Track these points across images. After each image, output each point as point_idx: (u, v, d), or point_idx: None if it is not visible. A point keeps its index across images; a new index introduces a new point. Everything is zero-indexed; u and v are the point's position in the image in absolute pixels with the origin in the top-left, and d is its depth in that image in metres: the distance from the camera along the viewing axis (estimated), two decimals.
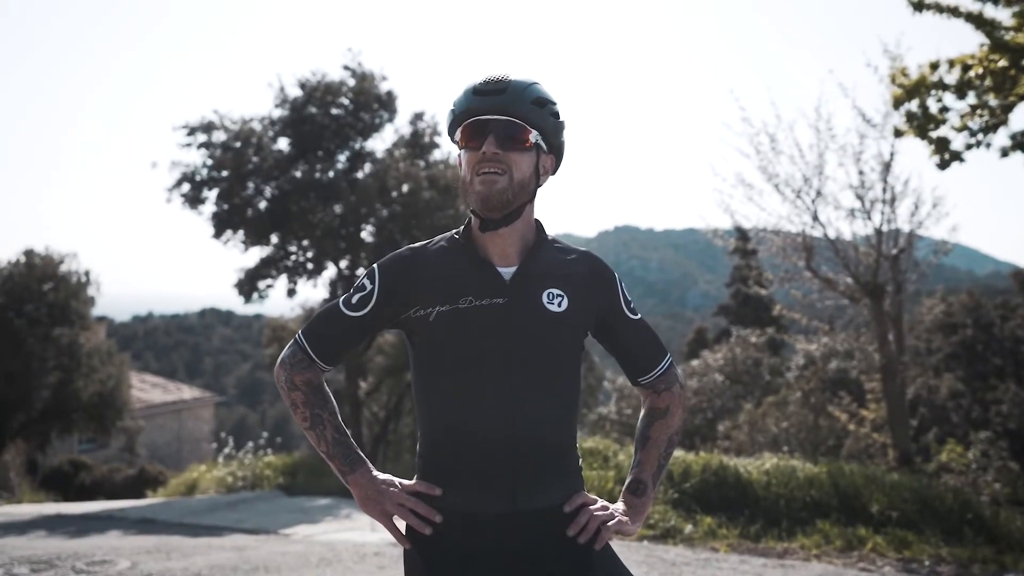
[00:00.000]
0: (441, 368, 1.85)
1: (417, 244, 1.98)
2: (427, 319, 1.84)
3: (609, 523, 1.86)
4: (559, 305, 1.87)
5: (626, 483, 2.01)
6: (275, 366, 1.98)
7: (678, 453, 8.28)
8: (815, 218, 10.52)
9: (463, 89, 1.87)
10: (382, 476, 1.91)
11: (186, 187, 16.58)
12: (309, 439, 1.94)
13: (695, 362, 16.40)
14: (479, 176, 1.81)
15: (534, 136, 1.84)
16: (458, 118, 1.85)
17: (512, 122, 1.81)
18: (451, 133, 1.89)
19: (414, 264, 1.90)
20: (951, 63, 7.95)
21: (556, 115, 1.89)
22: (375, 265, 1.95)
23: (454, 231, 1.97)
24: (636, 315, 2.02)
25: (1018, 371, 14.50)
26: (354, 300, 1.91)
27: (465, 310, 1.82)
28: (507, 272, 1.87)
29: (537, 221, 1.97)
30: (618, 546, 6.29)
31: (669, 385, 2.06)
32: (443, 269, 1.88)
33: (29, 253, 22.78)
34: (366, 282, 1.91)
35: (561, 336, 1.87)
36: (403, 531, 1.89)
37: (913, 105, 8.29)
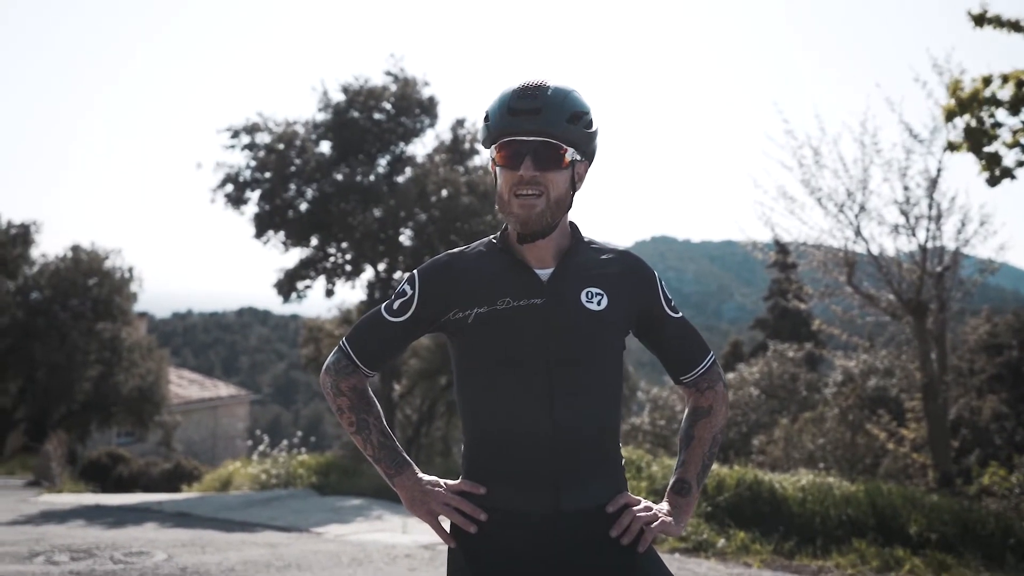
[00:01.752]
0: (482, 369, 1.87)
1: (455, 250, 2.00)
2: (466, 321, 1.86)
3: (652, 524, 1.86)
4: (598, 304, 1.88)
5: (671, 482, 2.00)
6: (321, 372, 2.01)
7: (712, 466, 8.28)
8: (858, 233, 10.39)
9: (498, 98, 1.85)
10: (427, 477, 1.93)
11: (229, 188, 16.88)
12: (355, 443, 1.97)
13: (730, 375, 16.19)
14: (517, 198, 1.82)
15: (570, 154, 1.84)
16: (492, 135, 1.84)
17: (549, 143, 1.81)
18: (486, 144, 1.89)
19: (452, 268, 1.92)
20: (1005, 78, 7.86)
21: (590, 124, 1.88)
22: (415, 271, 1.97)
23: (492, 236, 1.99)
24: (677, 313, 2.02)
25: None
26: (395, 306, 1.93)
27: (503, 311, 1.84)
28: (544, 273, 1.88)
29: (572, 223, 1.98)
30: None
31: (712, 383, 2.06)
32: (481, 272, 1.90)
33: (76, 249, 23.35)
34: (406, 287, 1.94)
35: (601, 334, 1.88)
36: (448, 531, 1.90)
37: (966, 119, 8.19)
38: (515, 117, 1.80)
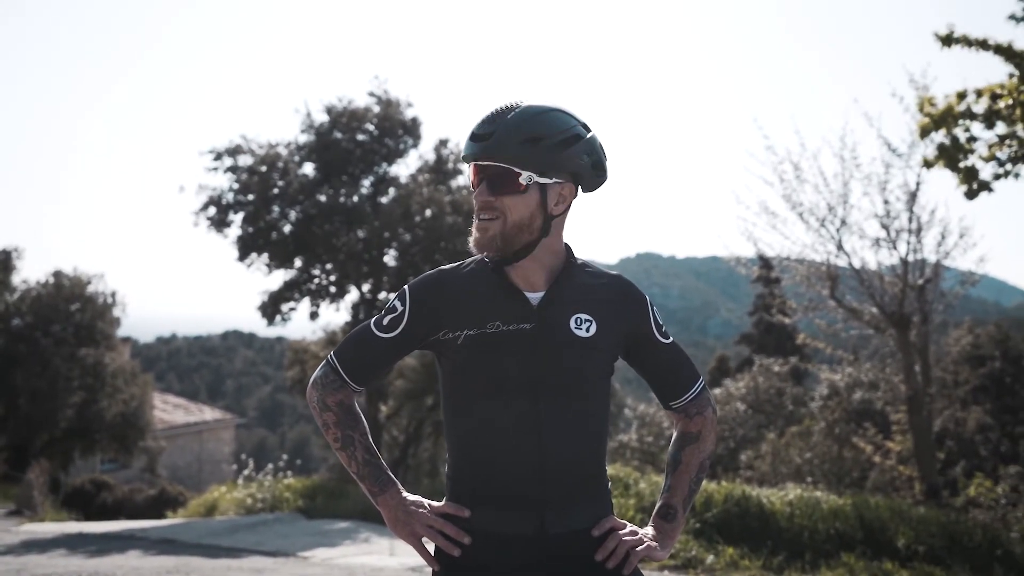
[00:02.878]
0: (470, 391, 1.86)
1: (447, 266, 1.98)
2: (455, 342, 1.86)
3: (638, 548, 1.86)
4: (587, 330, 1.87)
5: (656, 507, 2.00)
6: (307, 386, 2.00)
7: (699, 491, 8.29)
8: (840, 247, 10.48)
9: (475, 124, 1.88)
10: (412, 497, 1.92)
11: (212, 210, 16.85)
12: (340, 459, 1.95)
13: (717, 391, 16.29)
14: (476, 220, 1.87)
15: (526, 178, 1.81)
16: (464, 158, 1.88)
17: (501, 168, 1.81)
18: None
19: (444, 286, 1.91)
20: (979, 93, 7.93)
21: (562, 144, 1.83)
22: (406, 287, 1.96)
23: (483, 255, 1.96)
24: (668, 339, 2.01)
25: None
26: (385, 322, 1.92)
27: (492, 334, 1.83)
28: (534, 297, 1.87)
29: (567, 246, 1.96)
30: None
31: (701, 409, 2.05)
32: (472, 293, 1.89)
33: (57, 274, 23.20)
34: (397, 304, 1.92)
35: (589, 361, 1.87)
36: (432, 553, 1.89)
37: (940, 135, 8.28)
38: (472, 142, 1.83)
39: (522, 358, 1.83)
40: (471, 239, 1.88)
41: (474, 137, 1.83)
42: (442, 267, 1.99)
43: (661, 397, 2.06)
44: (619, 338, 1.94)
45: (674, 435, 2.09)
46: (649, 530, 1.94)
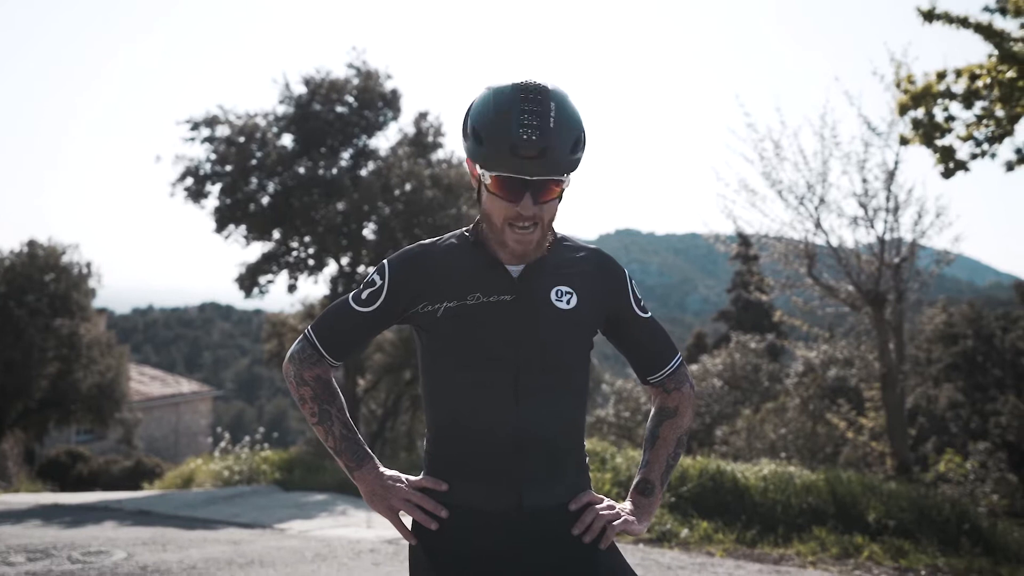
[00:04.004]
0: (449, 364, 1.85)
1: (427, 240, 1.97)
2: (435, 315, 1.84)
3: (615, 522, 1.87)
4: (567, 303, 1.87)
5: (634, 482, 2.00)
6: (284, 361, 1.98)
7: (677, 465, 8.34)
8: (818, 225, 10.54)
9: (493, 118, 1.72)
10: (389, 472, 1.92)
11: (189, 181, 16.71)
12: (317, 434, 1.94)
13: (694, 367, 16.32)
14: (512, 230, 1.79)
15: (567, 182, 1.80)
16: (488, 165, 1.74)
17: (551, 180, 1.75)
18: (473, 159, 1.79)
19: (423, 260, 1.89)
20: (958, 72, 7.96)
21: (585, 140, 1.81)
22: (385, 261, 1.94)
23: (464, 229, 1.96)
24: (646, 313, 2.01)
25: (1018, 383, 14.52)
26: (364, 296, 1.91)
27: (472, 306, 1.82)
28: (515, 270, 1.86)
29: None
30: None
31: (679, 384, 2.05)
32: (452, 266, 1.87)
33: (32, 244, 22.85)
34: (376, 278, 1.91)
35: (569, 333, 1.87)
36: (409, 527, 1.90)
37: (919, 113, 8.31)
38: (518, 159, 1.70)
39: (502, 330, 1.82)
40: (505, 248, 1.81)
41: (521, 155, 1.70)
42: (421, 241, 1.97)
43: (639, 371, 2.06)
44: (599, 311, 1.93)
45: (652, 410, 2.09)
46: (627, 504, 1.95)
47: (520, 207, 1.75)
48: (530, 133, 1.69)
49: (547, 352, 1.83)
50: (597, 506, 1.89)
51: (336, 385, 1.97)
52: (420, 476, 1.92)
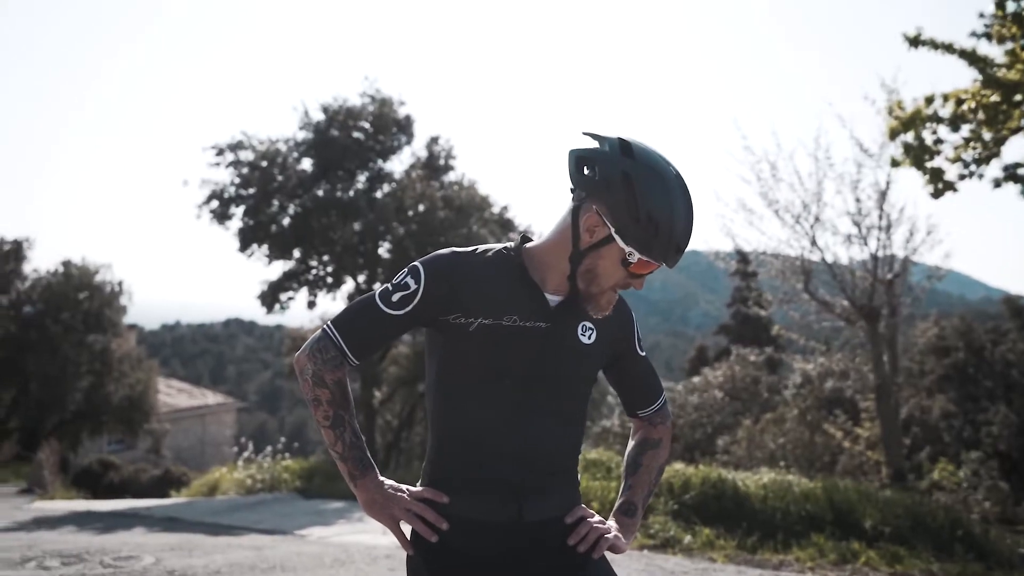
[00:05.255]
0: (468, 378, 1.83)
1: (462, 249, 1.92)
2: (466, 328, 1.81)
3: (607, 535, 1.91)
4: (589, 338, 1.90)
5: (617, 504, 2.04)
6: (298, 353, 1.91)
7: (679, 466, 8.48)
8: (813, 243, 10.76)
9: (673, 215, 1.74)
10: (389, 482, 1.91)
11: (215, 204, 17.28)
12: (325, 436, 1.89)
13: (696, 379, 16.55)
14: (613, 292, 1.85)
15: None
16: (647, 250, 1.75)
17: None
18: (630, 239, 1.74)
19: (460, 270, 1.84)
20: (945, 97, 8.12)
21: None
22: (419, 264, 1.87)
23: (503, 246, 1.93)
24: (643, 352, 2.08)
25: (1008, 393, 14.70)
26: (395, 298, 1.84)
27: (508, 327, 1.81)
28: (553, 299, 1.86)
29: None
30: (620, 555, 6.54)
31: (664, 419, 2.14)
32: (491, 282, 1.84)
33: (67, 264, 23.62)
34: (410, 281, 1.84)
35: (586, 366, 1.91)
36: (408, 537, 1.88)
37: (909, 137, 8.47)
38: (676, 255, 1.78)
39: (530, 355, 1.82)
40: (596, 304, 1.84)
41: (679, 252, 1.79)
42: (456, 249, 1.92)
43: (630, 405, 2.12)
44: (609, 348, 1.97)
45: (634, 441, 2.15)
46: (612, 523, 1.98)
47: (637, 282, 1.82)
48: (689, 234, 1.79)
49: (563, 380, 1.87)
50: (591, 519, 1.92)
51: (350, 390, 1.94)
52: (420, 487, 1.91)
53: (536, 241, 1.92)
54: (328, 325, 1.89)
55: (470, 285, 1.83)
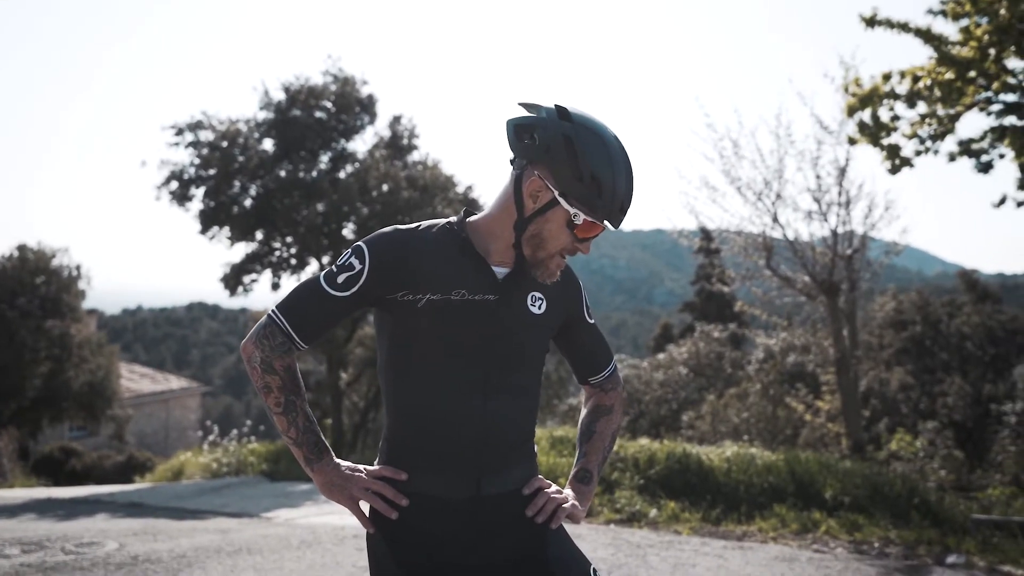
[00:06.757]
0: (420, 354, 1.84)
1: (407, 226, 1.92)
2: (415, 305, 1.81)
3: (564, 505, 1.94)
4: (539, 308, 1.91)
5: (572, 472, 2.07)
6: (245, 341, 1.88)
7: (644, 442, 8.62)
8: (775, 220, 10.86)
9: (613, 173, 1.76)
10: (345, 463, 1.92)
11: (174, 185, 17.08)
12: (277, 423, 1.88)
13: (661, 356, 16.71)
14: (561, 257, 1.85)
15: None
16: (592, 210, 1.77)
17: None
18: (575, 198, 1.76)
19: (406, 248, 1.84)
20: (902, 74, 8.25)
21: None
22: (362, 244, 1.86)
23: (446, 221, 1.93)
24: (592, 319, 2.10)
25: (963, 365, 15.07)
26: (340, 279, 1.83)
27: (456, 302, 1.81)
28: (500, 272, 1.87)
29: None
30: (586, 529, 6.71)
31: (615, 385, 2.18)
32: (437, 258, 1.84)
33: (22, 248, 23.22)
34: (354, 261, 1.83)
35: (536, 336, 1.92)
36: (367, 515, 1.90)
37: (866, 114, 8.59)
38: (618, 213, 1.80)
39: (481, 328, 1.83)
40: (543, 269, 1.84)
41: (624, 211, 1.81)
42: (399, 226, 1.92)
43: (580, 373, 2.16)
44: (560, 317, 1.99)
45: (586, 408, 2.19)
46: (568, 492, 2.00)
47: (583, 246, 1.84)
48: (631, 195, 1.81)
49: (516, 352, 1.87)
50: (548, 490, 1.95)
51: (300, 375, 1.92)
52: (377, 465, 1.92)
53: (479, 215, 1.93)
54: (274, 310, 1.87)
55: (415, 262, 1.82)
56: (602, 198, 1.75)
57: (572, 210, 1.76)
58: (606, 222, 1.79)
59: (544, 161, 1.76)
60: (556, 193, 1.76)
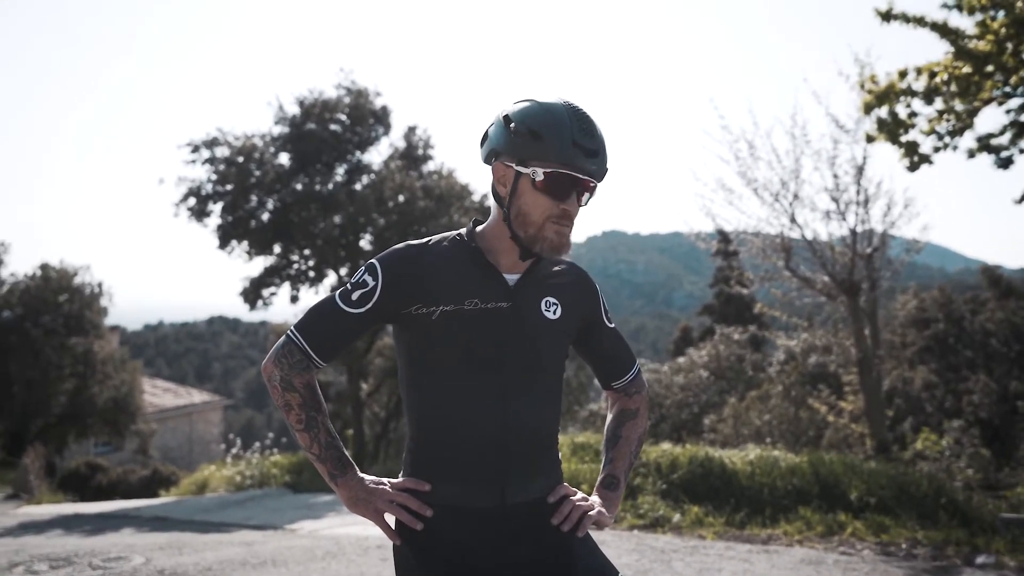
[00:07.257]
0: (438, 365, 1.85)
1: (418, 241, 1.94)
2: (429, 317, 1.83)
3: (590, 513, 1.93)
4: (554, 313, 1.92)
5: (599, 478, 2.07)
6: (265, 361, 1.93)
7: (666, 446, 8.55)
8: (793, 220, 10.76)
9: (551, 118, 1.79)
10: (369, 477, 1.92)
11: (192, 201, 17.23)
12: (299, 440, 1.91)
13: (681, 359, 16.60)
14: (554, 226, 1.82)
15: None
16: (547, 159, 1.78)
17: (594, 183, 1.84)
18: (524, 155, 1.80)
19: (417, 261, 1.87)
20: (919, 70, 8.19)
21: None
22: (375, 261, 1.89)
23: (456, 232, 1.96)
24: (612, 324, 2.10)
25: (988, 363, 14.90)
26: (354, 297, 1.86)
27: (470, 311, 1.83)
28: (511, 278, 1.89)
29: None
30: (610, 535, 6.71)
31: (640, 389, 2.17)
32: (448, 269, 1.86)
33: (45, 267, 23.51)
34: (367, 278, 1.86)
35: (554, 341, 1.92)
36: (393, 528, 1.90)
37: (883, 111, 8.52)
38: (581, 154, 1.78)
39: (496, 336, 1.84)
40: (544, 242, 1.83)
41: (584, 150, 1.78)
42: (410, 242, 1.94)
43: (604, 378, 2.15)
44: (577, 321, 1.99)
45: (611, 414, 2.18)
46: (595, 498, 2.00)
47: (567, 204, 1.80)
48: (591, 133, 1.79)
49: (533, 358, 1.88)
50: (573, 498, 1.95)
51: (320, 391, 1.94)
52: (401, 477, 1.93)
53: (484, 224, 1.97)
54: (292, 330, 1.91)
55: (428, 275, 1.85)
56: (547, 141, 1.77)
57: (528, 170, 1.79)
58: (569, 169, 1.78)
59: (496, 149, 1.85)
60: (514, 166, 1.81)
